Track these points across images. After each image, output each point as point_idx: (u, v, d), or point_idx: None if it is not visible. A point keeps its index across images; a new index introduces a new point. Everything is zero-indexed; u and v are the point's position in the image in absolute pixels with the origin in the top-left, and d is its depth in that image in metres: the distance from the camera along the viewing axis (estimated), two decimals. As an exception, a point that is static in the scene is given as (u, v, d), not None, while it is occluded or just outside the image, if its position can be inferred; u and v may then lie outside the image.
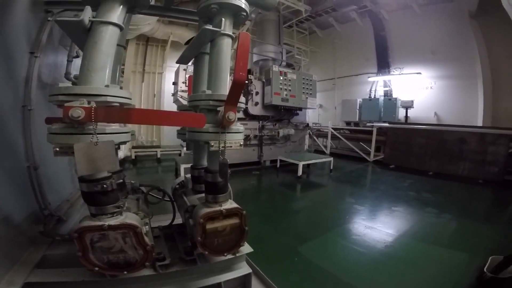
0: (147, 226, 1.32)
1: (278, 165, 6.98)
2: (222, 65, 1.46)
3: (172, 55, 9.32)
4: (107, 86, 1.10)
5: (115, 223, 1.15)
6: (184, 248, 1.68)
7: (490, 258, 2.33)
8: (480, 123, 7.41)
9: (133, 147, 7.74)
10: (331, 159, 7.01)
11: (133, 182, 1.82)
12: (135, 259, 1.26)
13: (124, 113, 1.00)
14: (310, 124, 9.11)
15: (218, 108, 1.36)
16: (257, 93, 6.66)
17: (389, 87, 9.73)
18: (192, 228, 1.46)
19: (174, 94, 6.08)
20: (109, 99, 1.07)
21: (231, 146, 1.41)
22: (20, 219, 1.68)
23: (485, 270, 2.20)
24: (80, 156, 0.95)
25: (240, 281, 1.81)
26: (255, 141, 6.90)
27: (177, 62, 1.89)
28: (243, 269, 1.82)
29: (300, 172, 6.12)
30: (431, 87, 8.71)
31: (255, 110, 6.69)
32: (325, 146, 9.50)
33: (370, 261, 2.64)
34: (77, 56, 2.52)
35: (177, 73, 6.02)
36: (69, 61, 2.45)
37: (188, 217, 1.53)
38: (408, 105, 8.73)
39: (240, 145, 1.45)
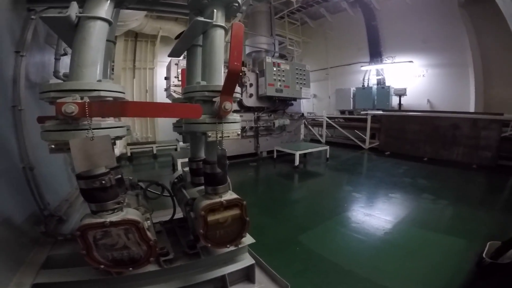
0: (148, 221, 1.31)
1: (275, 156, 7.01)
2: (216, 56, 1.44)
3: (162, 50, 9.17)
4: (99, 81, 1.08)
5: (117, 219, 1.15)
6: (187, 242, 1.68)
7: (489, 243, 2.33)
8: (472, 109, 7.49)
9: (128, 144, 7.64)
10: (327, 147, 7.02)
11: (131, 178, 1.81)
12: (139, 255, 1.26)
13: (119, 107, 0.98)
14: (305, 114, 9.11)
15: (214, 99, 1.35)
16: (251, 85, 6.63)
17: (382, 75, 9.79)
18: (193, 221, 1.47)
19: (167, 89, 6.01)
20: (103, 93, 1.05)
21: (228, 136, 1.41)
22: (21, 220, 1.67)
23: (484, 255, 2.20)
24: (77, 152, 0.94)
25: (243, 272, 1.83)
26: (251, 132, 6.89)
27: (169, 56, 1.86)
28: (246, 260, 1.83)
29: (297, 162, 6.14)
30: (423, 75, 8.77)
31: (250, 102, 6.67)
32: (321, 135, 9.53)
33: (371, 248, 2.66)
34: (65, 54, 2.47)
35: (168, 68, 5.93)
36: (57, 59, 2.40)
37: (189, 210, 1.53)
38: (401, 93, 8.80)
39: (238, 134, 1.45)
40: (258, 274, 1.96)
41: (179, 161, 4.96)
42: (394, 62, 9.32)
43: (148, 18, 8.06)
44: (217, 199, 1.42)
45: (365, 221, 3.27)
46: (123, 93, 1.17)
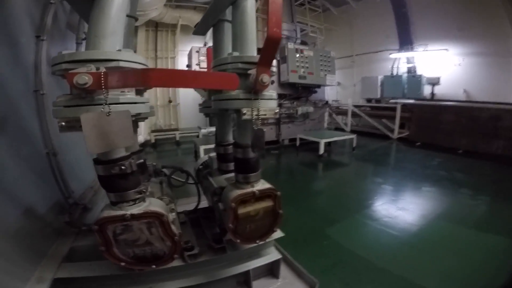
0: (173, 213, 1.19)
1: (297, 144, 6.81)
2: (248, 27, 1.28)
3: (183, 39, 9.18)
4: (119, 50, 0.95)
5: (139, 211, 1.03)
6: (213, 235, 1.57)
7: None
8: None
9: (152, 131, 7.86)
10: (354, 136, 6.69)
11: (154, 164, 1.71)
12: (163, 251, 1.15)
13: (142, 75, 0.83)
14: (330, 102, 8.80)
15: (249, 71, 1.18)
16: (272, 72, 6.43)
17: (413, 63, 9.21)
18: (221, 213, 1.33)
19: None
20: (122, 64, 0.91)
21: (265, 115, 1.23)
22: (45, 210, 1.61)
23: None
24: (89, 129, 0.80)
25: (267, 266, 1.74)
26: (273, 119, 6.71)
27: (194, 33, 1.72)
28: (272, 255, 1.73)
29: (321, 151, 5.90)
30: (459, 64, 8.09)
31: (271, 89, 6.47)
32: (345, 124, 9.22)
33: (405, 245, 2.48)
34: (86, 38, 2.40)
35: (190, 56, 5.87)
36: (78, 44, 2.35)
37: (216, 200, 1.39)
38: (434, 82, 8.28)
39: (275, 113, 1.29)
40: (283, 269, 1.87)
41: (202, 148, 4.90)
42: (426, 50, 8.67)
43: (168, 8, 8.01)
44: (249, 189, 1.27)
45: (398, 215, 3.05)
46: (146, 65, 1.04)
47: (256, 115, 1.20)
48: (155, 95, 9.18)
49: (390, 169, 5.32)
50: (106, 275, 1.24)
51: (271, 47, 1.05)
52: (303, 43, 7.87)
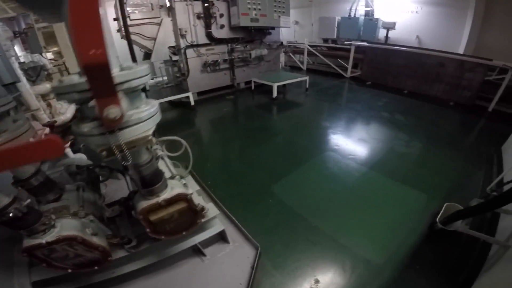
0: (90, 229, 1.24)
1: (252, 87, 6.84)
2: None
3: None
4: None
5: (52, 238, 1.09)
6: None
7: (445, 205, 2.26)
8: (461, 52, 7.22)
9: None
10: (307, 78, 6.78)
11: (70, 163, 1.61)
12: (97, 258, 1.26)
13: None
14: (284, 43, 8.54)
15: (90, 103, 0.85)
16: (221, 15, 5.87)
17: (371, 7, 9.00)
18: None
19: (119, 30, 5.22)
20: None
21: (134, 146, 0.99)
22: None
23: (437, 219, 2.15)
24: None
25: (218, 234, 1.90)
26: (226, 65, 6.48)
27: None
28: (216, 227, 1.87)
29: (275, 94, 6.04)
30: (416, 12, 8.14)
31: (222, 34, 6.05)
32: (302, 62, 9.26)
33: (340, 200, 2.66)
34: None
35: (116, 7, 5.02)
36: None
37: (131, 204, 1.43)
38: (389, 26, 8.35)
39: (150, 139, 1.03)
40: (234, 232, 2.05)
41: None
42: (388, -4, 8.38)
43: None
44: (154, 200, 1.27)
45: (339, 166, 3.24)
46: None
47: (120, 151, 0.94)
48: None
49: (338, 111, 5.51)
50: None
51: (96, 77, 0.71)
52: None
